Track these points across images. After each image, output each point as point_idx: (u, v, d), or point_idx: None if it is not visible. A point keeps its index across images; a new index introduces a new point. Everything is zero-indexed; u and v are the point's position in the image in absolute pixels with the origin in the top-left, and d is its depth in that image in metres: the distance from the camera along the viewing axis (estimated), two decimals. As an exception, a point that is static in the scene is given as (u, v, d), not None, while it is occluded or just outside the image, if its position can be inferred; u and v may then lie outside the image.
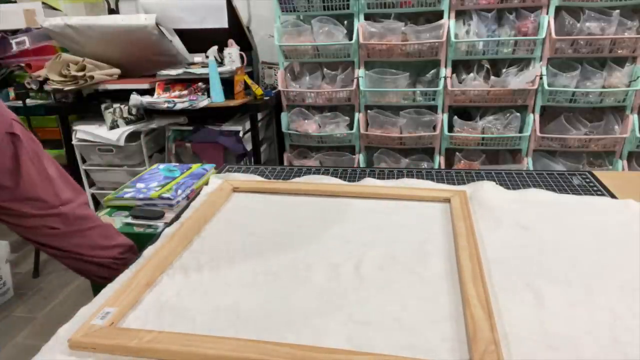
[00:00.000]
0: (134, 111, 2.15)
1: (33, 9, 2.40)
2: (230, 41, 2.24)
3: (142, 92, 2.14)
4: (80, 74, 2.12)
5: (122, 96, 2.14)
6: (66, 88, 2.13)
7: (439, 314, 0.63)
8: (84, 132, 2.16)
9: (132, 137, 2.13)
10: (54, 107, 2.32)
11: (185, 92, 2.17)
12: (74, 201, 0.94)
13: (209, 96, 2.14)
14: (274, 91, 2.36)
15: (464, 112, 2.25)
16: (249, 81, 2.25)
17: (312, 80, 2.30)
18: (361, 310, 0.64)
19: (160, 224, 1.06)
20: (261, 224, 0.91)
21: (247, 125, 2.23)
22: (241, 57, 2.26)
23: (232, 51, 2.22)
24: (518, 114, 2.11)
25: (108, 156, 2.20)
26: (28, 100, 2.29)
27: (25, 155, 0.85)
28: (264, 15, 2.55)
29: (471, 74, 2.09)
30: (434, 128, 2.20)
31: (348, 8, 2.12)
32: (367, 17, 2.15)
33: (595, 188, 1.04)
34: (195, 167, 1.27)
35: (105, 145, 2.14)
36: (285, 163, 2.43)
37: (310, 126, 2.31)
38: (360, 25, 2.11)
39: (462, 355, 0.56)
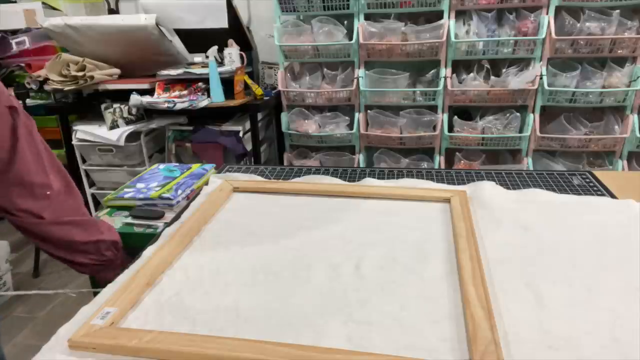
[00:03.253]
0: (134, 111, 2.14)
1: (33, 9, 2.40)
2: (230, 41, 2.24)
3: (142, 92, 2.14)
4: (80, 74, 2.11)
5: (122, 96, 2.14)
6: (66, 88, 2.13)
7: (439, 314, 0.63)
8: (84, 132, 2.16)
9: (132, 137, 2.12)
10: (54, 107, 2.32)
11: (185, 92, 2.17)
12: (61, 189, 0.89)
13: (209, 96, 2.14)
14: (274, 91, 2.36)
15: (464, 112, 2.25)
16: (249, 81, 2.25)
17: (312, 80, 2.30)
18: (361, 310, 0.64)
19: (160, 224, 1.06)
20: (261, 224, 0.91)
21: (247, 125, 2.23)
22: (241, 57, 2.26)
23: (232, 51, 2.22)
24: (518, 114, 2.11)
25: (108, 156, 2.20)
26: (28, 100, 2.29)
27: (22, 129, 0.83)
28: (264, 15, 2.55)
29: (471, 74, 2.09)
30: (434, 128, 2.20)
31: (348, 8, 2.12)
32: (367, 17, 2.15)
33: (595, 188, 1.04)
34: (195, 167, 1.27)
35: (105, 145, 2.14)
36: (285, 163, 2.43)
37: (310, 126, 2.31)
38: (360, 25, 2.11)
39: (462, 355, 0.56)
